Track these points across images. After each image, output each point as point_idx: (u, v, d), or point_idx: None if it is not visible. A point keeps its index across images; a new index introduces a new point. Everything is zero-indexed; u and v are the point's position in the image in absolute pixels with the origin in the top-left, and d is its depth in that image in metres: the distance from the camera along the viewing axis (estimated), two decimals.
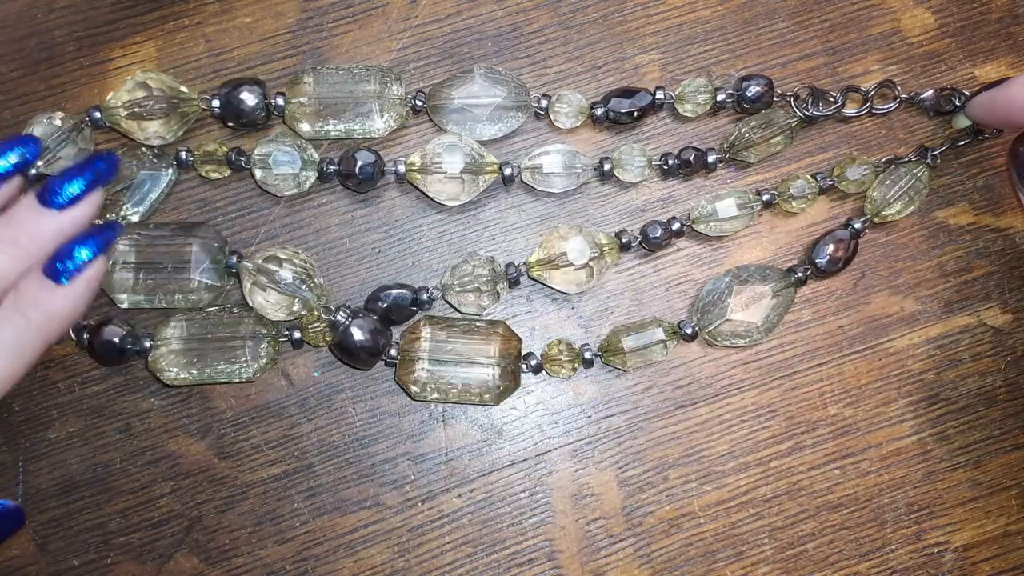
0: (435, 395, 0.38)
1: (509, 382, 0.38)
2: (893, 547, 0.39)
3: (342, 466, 0.38)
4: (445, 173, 0.38)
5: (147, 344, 0.37)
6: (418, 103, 0.39)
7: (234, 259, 0.37)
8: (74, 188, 0.33)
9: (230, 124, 0.39)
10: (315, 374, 0.39)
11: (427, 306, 0.38)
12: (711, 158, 0.39)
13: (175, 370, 0.37)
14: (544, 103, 0.39)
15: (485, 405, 0.38)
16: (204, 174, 0.39)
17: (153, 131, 0.38)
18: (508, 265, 0.38)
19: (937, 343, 0.40)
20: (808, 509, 0.39)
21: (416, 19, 0.41)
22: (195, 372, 0.37)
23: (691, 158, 0.39)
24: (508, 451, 0.39)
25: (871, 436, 0.39)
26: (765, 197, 0.39)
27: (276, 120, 0.40)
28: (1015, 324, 0.40)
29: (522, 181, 0.39)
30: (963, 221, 0.40)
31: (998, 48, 0.41)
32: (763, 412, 0.39)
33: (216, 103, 0.38)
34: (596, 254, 0.38)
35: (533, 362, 0.38)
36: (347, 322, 0.37)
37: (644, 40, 0.41)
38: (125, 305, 0.37)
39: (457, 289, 0.38)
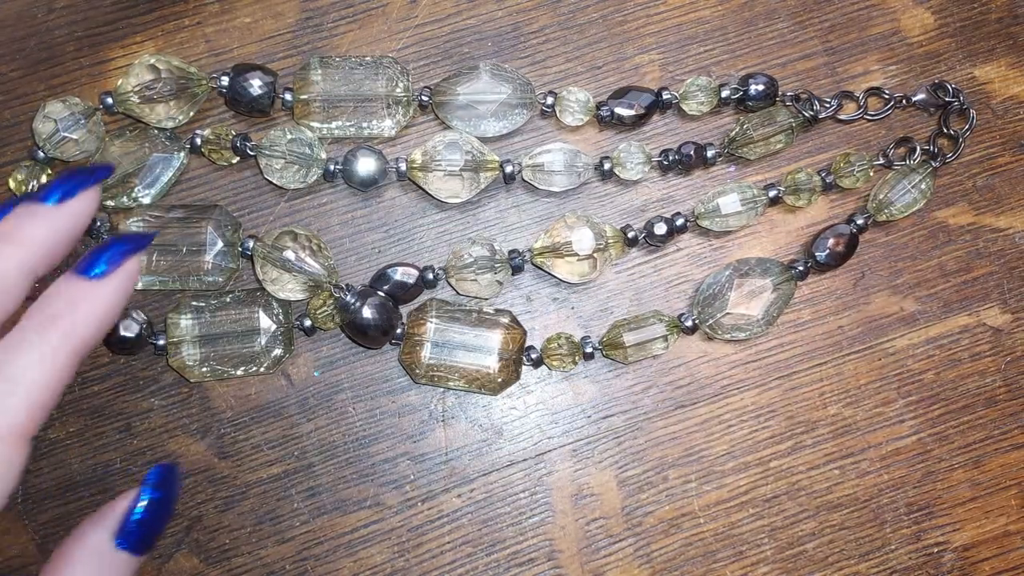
0: (437, 380, 0.38)
1: (510, 373, 0.38)
2: (893, 547, 0.39)
3: (342, 466, 0.38)
4: (445, 171, 0.38)
5: (161, 342, 0.37)
6: (424, 99, 0.39)
7: (250, 243, 0.37)
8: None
9: (236, 108, 0.39)
10: (315, 374, 0.39)
11: (433, 285, 0.38)
12: (710, 153, 0.39)
13: (193, 365, 0.37)
14: (550, 100, 0.39)
15: (484, 394, 0.38)
16: (209, 156, 0.39)
17: (164, 113, 0.38)
18: (512, 251, 0.38)
19: (937, 343, 0.40)
20: (808, 509, 0.39)
21: (416, 19, 0.41)
22: (209, 368, 0.37)
23: (691, 152, 0.39)
24: (508, 451, 0.39)
25: (871, 436, 0.39)
26: (772, 193, 0.39)
27: (282, 110, 0.40)
28: (1015, 324, 0.40)
29: (523, 180, 0.39)
30: (963, 221, 0.40)
31: (998, 48, 0.41)
32: (763, 412, 0.39)
33: (224, 80, 0.38)
34: (601, 245, 0.38)
35: (534, 355, 0.38)
36: (356, 301, 0.37)
37: (644, 40, 0.41)
38: (139, 286, 0.38)
39: (458, 270, 0.38)
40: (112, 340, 0.37)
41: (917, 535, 0.39)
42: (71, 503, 0.38)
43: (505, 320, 0.38)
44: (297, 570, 0.38)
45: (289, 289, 0.37)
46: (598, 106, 0.39)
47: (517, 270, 0.38)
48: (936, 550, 0.39)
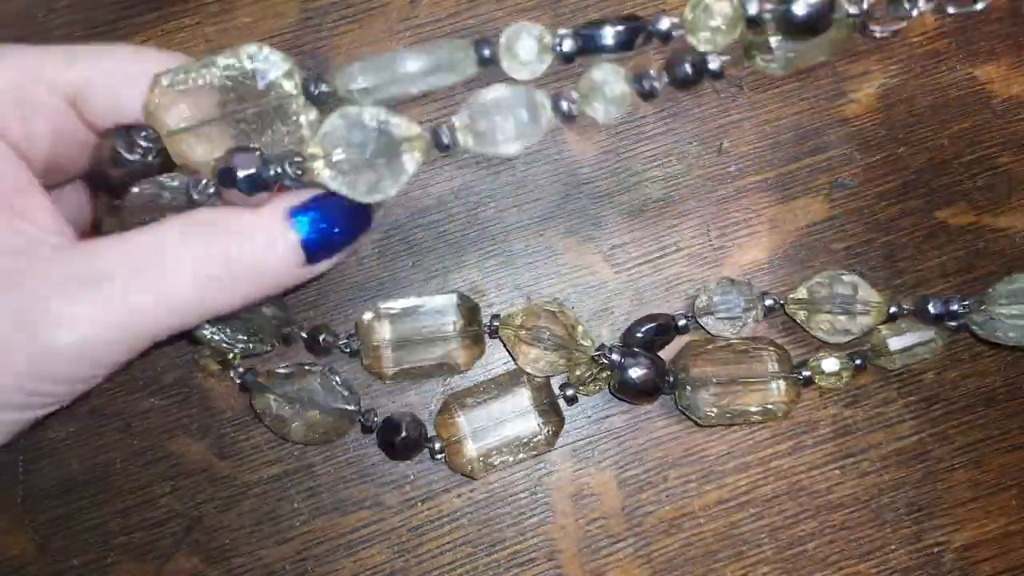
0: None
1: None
2: (893, 547, 0.39)
3: (342, 466, 0.38)
4: (347, 162, 0.29)
5: (438, 445, 0.37)
6: (313, 89, 0.30)
7: (495, 322, 0.37)
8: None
9: None
10: None
11: (685, 331, 0.38)
12: (714, 64, 0.30)
13: (476, 458, 0.37)
14: (487, 51, 0.30)
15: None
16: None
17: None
18: (763, 294, 0.38)
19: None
20: (808, 509, 0.39)
21: (416, 19, 0.41)
22: (491, 460, 0.37)
23: (687, 70, 0.30)
24: None
25: (871, 436, 0.39)
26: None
27: None
28: None
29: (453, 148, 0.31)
30: (963, 221, 0.40)
31: (998, 48, 0.41)
32: None
33: None
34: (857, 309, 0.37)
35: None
36: (622, 361, 0.36)
37: None
38: (390, 372, 0.37)
39: (718, 314, 0.38)
40: (386, 444, 0.37)
41: (917, 535, 0.39)
42: (71, 503, 0.38)
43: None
44: (297, 570, 0.38)
45: (543, 365, 0.37)
46: (559, 41, 0.30)
47: (769, 311, 0.38)
48: (936, 550, 0.39)
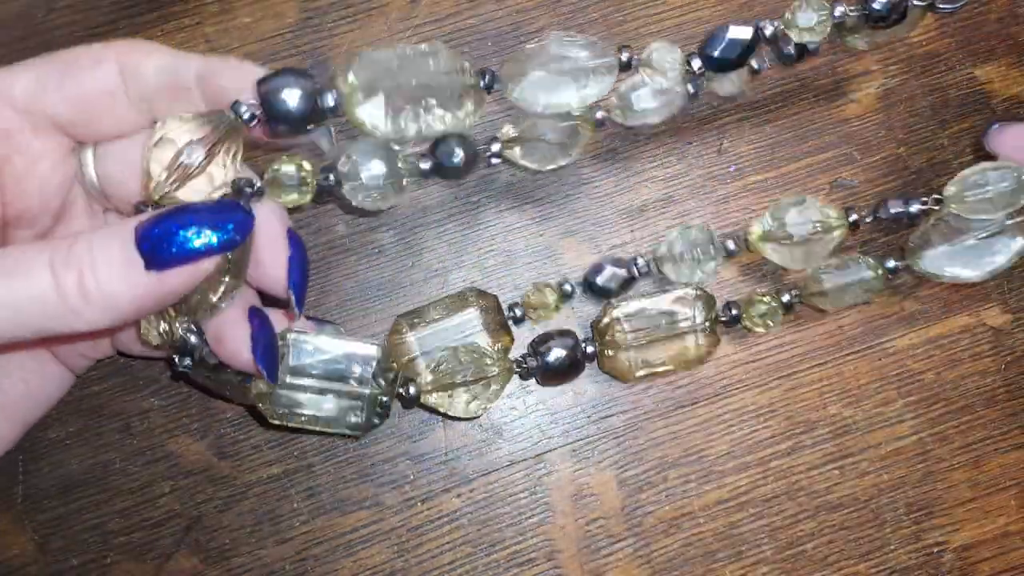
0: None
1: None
2: (892, 547, 0.39)
3: (342, 466, 0.38)
4: (548, 141, 0.36)
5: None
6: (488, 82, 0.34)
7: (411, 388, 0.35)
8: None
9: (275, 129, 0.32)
10: None
11: (647, 275, 0.38)
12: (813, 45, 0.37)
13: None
14: (626, 56, 0.35)
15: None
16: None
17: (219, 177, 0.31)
18: (728, 235, 0.38)
19: (937, 343, 0.40)
20: (807, 509, 0.39)
21: (416, 19, 0.41)
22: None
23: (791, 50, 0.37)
24: (508, 451, 0.39)
25: (871, 436, 0.39)
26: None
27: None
28: (1015, 324, 0.40)
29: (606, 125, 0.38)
30: None
31: (998, 48, 0.41)
32: (763, 412, 0.39)
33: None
34: (818, 229, 0.36)
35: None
36: (540, 352, 0.37)
37: (644, 40, 0.41)
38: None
39: (680, 262, 0.38)
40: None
41: (917, 535, 0.39)
42: (71, 503, 0.38)
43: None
44: (297, 570, 0.38)
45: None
46: (688, 59, 0.35)
47: (731, 255, 0.38)
48: (936, 550, 0.39)
